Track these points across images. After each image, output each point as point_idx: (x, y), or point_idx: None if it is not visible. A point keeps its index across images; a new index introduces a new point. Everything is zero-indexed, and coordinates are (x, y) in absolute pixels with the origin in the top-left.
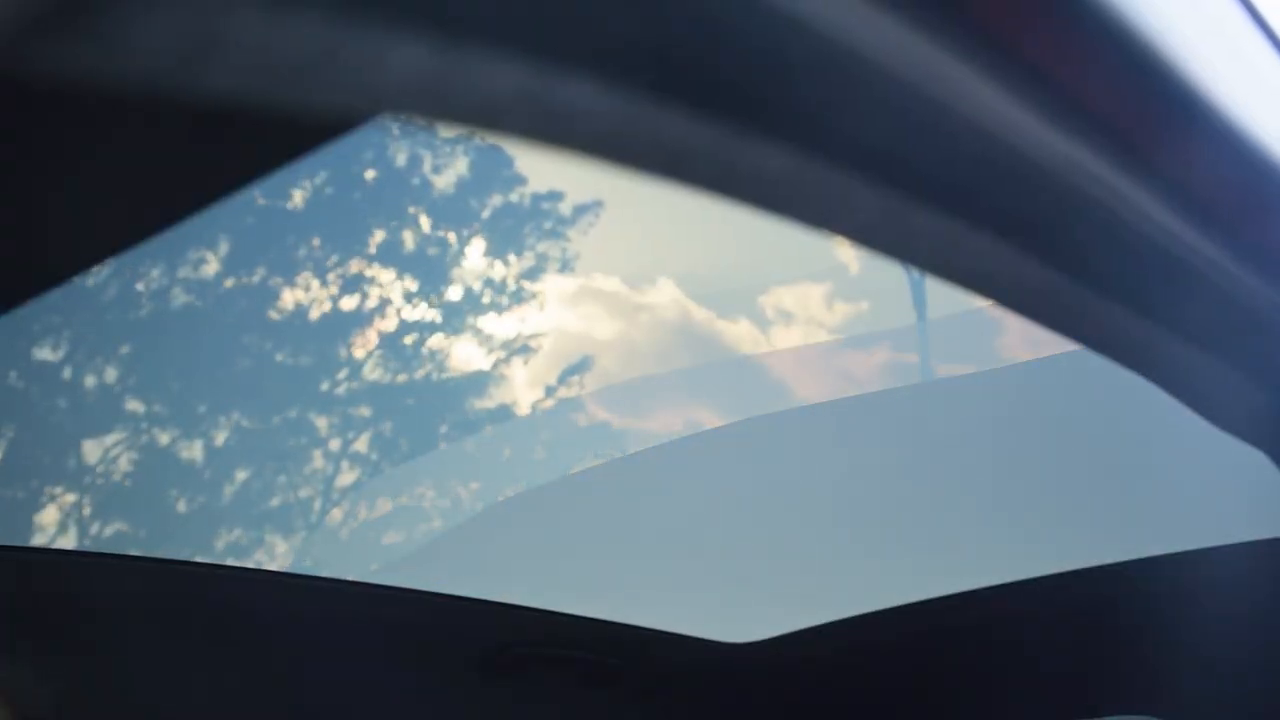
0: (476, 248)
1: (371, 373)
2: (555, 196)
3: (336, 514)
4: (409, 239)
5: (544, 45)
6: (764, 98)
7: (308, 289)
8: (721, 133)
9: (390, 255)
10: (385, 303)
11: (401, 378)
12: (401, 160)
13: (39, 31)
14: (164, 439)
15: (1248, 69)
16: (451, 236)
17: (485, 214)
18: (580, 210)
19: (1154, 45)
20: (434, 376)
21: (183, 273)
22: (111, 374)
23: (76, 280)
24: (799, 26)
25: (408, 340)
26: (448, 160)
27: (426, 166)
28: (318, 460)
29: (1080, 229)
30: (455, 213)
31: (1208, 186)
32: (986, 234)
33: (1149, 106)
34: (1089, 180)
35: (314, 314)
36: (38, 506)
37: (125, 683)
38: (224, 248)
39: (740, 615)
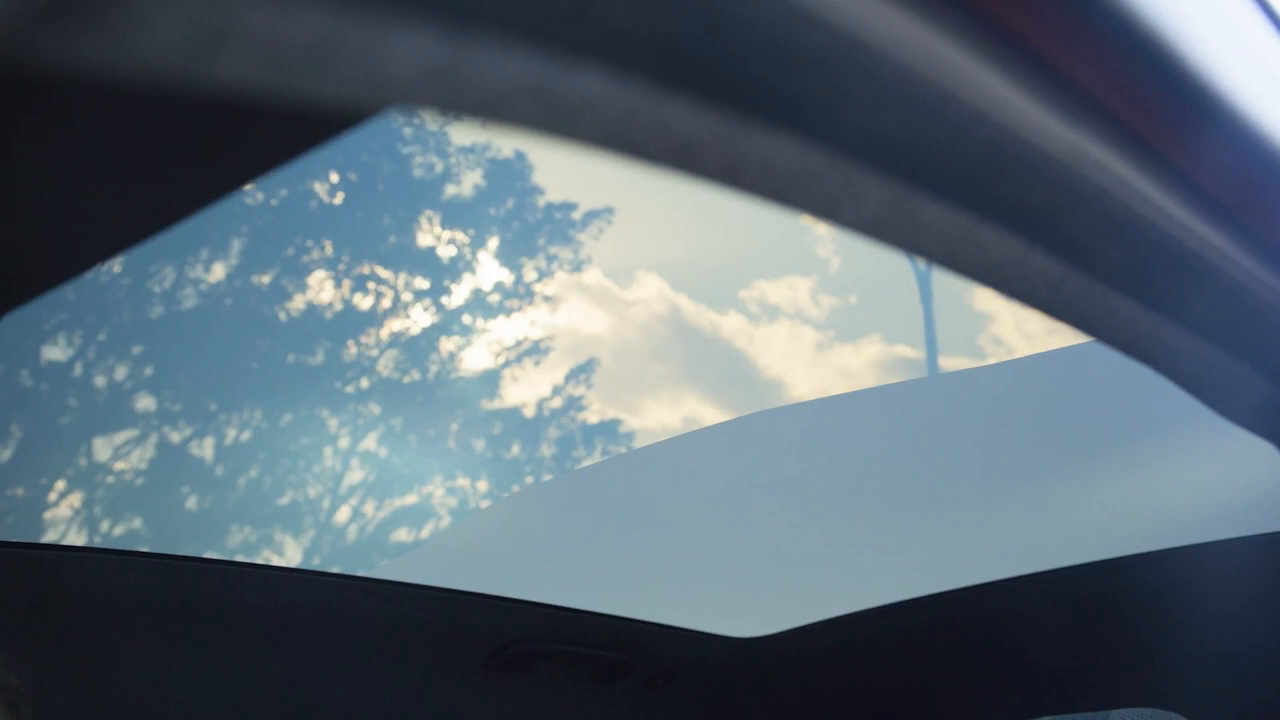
0: (487, 248)
1: (381, 372)
2: (568, 205)
3: (345, 510)
4: (419, 239)
5: (552, 35)
6: (772, 88)
7: (317, 287)
8: (729, 123)
9: (401, 255)
10: (395, 302)
11: (411, 377)
12: (412, 160)
13: (44, 23)
14: (175, 437)
15: (1258, 61)
16: (462, 237)
17: (496, 214)
18: (591, 215)
19: (1163, 36)
20: (443, 376)
21: (192, 271)
22: (122, 372)
23: (86, 278)
24: (806, 16)
25: (417, 339)
26: (459, 160)
27: (438, 166)
28: (327, 458)
29: (1089, 221)
30: (465, 213)
31: (1216, 179)
32: (994, 225)
33: (1158, 98)
34: (1098, 172)
35: (324, 313)
36: (48, 504)
37: (130, 679)
38: (234, 245)
39: (748, 610)
